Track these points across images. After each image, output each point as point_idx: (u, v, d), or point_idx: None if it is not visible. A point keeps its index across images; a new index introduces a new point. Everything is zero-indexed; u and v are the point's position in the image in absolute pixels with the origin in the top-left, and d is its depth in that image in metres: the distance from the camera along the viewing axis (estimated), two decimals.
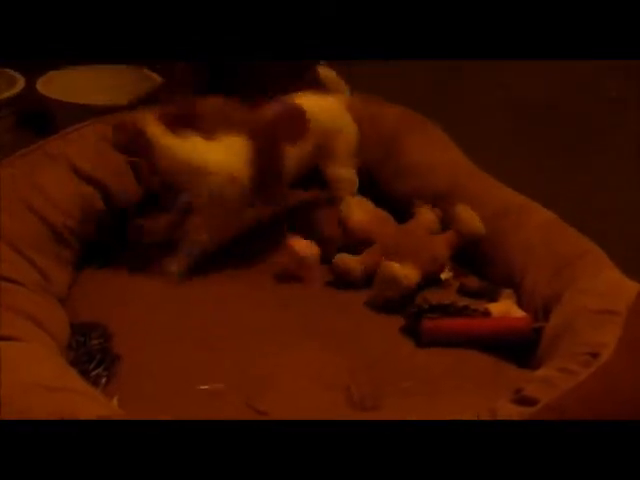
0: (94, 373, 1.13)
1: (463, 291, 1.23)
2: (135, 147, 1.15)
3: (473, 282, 1.23)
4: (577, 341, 1.04)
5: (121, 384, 1.10)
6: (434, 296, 1.20)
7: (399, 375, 1.13)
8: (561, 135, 1.92)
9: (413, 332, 1.16)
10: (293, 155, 1.22)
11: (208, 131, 1.17)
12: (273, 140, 1.20)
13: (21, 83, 1.85)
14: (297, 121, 1.22)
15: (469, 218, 1.24)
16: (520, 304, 1.21)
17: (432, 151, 1.38)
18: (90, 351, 1.17)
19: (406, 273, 1.16)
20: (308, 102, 1.24)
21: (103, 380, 1.11)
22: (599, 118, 2.01)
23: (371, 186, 1.40)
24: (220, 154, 1.16)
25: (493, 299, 1.21)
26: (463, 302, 1.20)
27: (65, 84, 1.89)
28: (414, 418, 0.91)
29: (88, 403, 0.95)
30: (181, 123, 1.15)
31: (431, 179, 1.37)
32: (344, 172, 1.29)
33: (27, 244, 1.21)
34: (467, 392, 1.06)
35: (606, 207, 1.62)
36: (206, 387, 1.10)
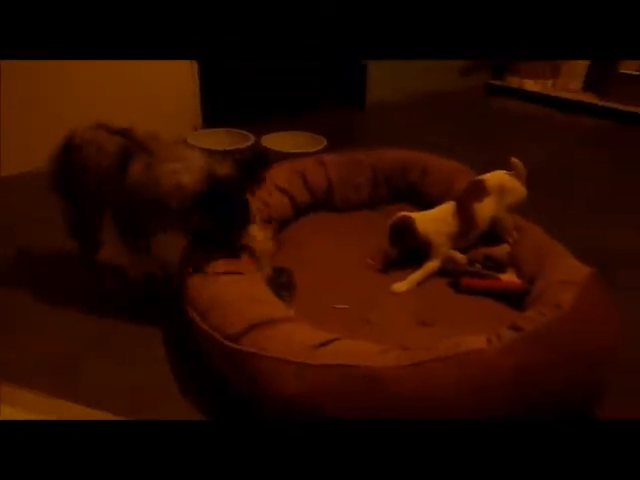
0: (284, 294, 1.54)
1: (486, 265, 1.65)
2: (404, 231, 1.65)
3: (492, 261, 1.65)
4: (549, 298, 1.32)
5: (297, 301, 1.54)
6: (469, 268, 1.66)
7: (447, 308, 1.55)
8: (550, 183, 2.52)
9: (455, 285, 1.62)
10: (481, 208, 1.68)
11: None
12: (467, 201, 1.69)
13: (252, 139, 2.63)
14: (479, 188, 1.70)
15: (502, 249, 1.69)
16: (518, 276, 1.61)
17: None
18: (281, 283, 1.58)
19: (461, 256, 1.68)
20: (489, 176, 1.72)
21: (287, 299, 1.52)
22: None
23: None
24: (440, 212, 1.71)
25: (502, 272, 1.63)
26: (485, 272, 1.63)
27: (276, 140, 2.67)
28: (451, 337, 1.17)
29: (277, 310, 1.32)
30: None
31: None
32: (507, 216, 1.70)
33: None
34: (484, 323, 1.35)
35: (574, 226, 2.06)
36: (339, 306, 1.53)
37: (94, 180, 1.44)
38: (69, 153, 1.49)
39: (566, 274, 1.41)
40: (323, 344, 1.19)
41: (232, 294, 1.32)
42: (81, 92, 2.51)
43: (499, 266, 1.67)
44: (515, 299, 1.55)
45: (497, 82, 4.20)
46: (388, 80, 3.64)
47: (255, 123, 2.80)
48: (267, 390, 1.18)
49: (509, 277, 1.63)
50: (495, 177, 1.72)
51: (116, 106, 2.57)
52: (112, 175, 1.38)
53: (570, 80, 4.03)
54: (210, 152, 1.42)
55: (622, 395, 1.35)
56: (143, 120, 2.66)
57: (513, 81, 4.11)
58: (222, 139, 2.70)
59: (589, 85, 3.96)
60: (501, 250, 1.69)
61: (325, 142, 2.63)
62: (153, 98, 2.71)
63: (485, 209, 1.70)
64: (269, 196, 1.86)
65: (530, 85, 4.03)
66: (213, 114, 2.95)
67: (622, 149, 3.21)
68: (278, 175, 1.93)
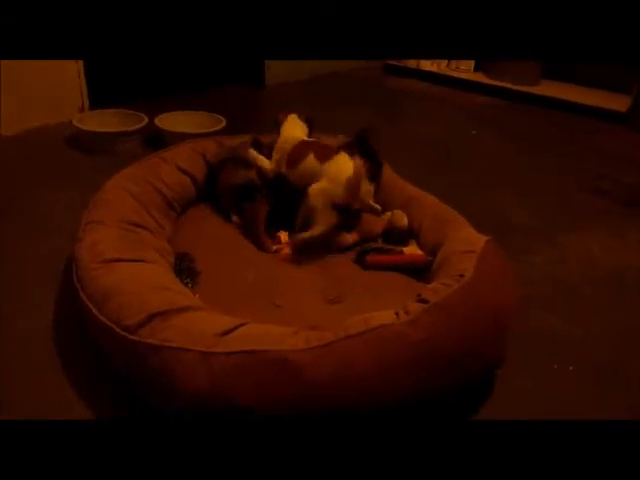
0: (186, 281, 1.47)
1: (388, 239, 1.65)
2: None
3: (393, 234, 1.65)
4: (451, 268, 1.35)
5: (200, 287, 1.46)
6: (372, 244, 1.64)
7: (355, 285, 1.52)
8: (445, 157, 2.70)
9: (361, 263, 1.60)
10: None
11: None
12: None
13: (145, 120, 2.50)
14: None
15: (400, 217, 1.71)
16: (420, 248, 1.63)
17: None
18: (183, 268, 1.51)
19: (349, 236, 1.68)
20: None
21: (190, 285, 1.46)
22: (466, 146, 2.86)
23: None
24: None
25: (405, 245, 1.63)
26: (389, 246, 1.62)
27: (172, 120, 2.56)
28: (360, 313, 1.14)
29: (179, 298, 1.23)
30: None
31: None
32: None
33: (152, 207, 1.62)
34: (391, 296, 1.37)
35: (468, 198, 2.11)
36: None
37: None
38: None
39: (465, 243, 1.43)
40: (229, 330, 1.14)
41: (131, 282, 1.23)
42: None
43: (401, 239, 1.67)
44: (420, 271, 1.57)
45: (395, 62, 4.25)
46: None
47: (148, 102, 2.66)
48: (172, 384, 1.09)
49: (411, 249, 1.63)
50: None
51: None
52: None
53: (462, 61, 4.20)
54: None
55: (516, 353, 1.41)
56: (25, 103, 2.47)
57: (410, 61, 4.19)
58: (111, 120, 2.55)
59: (479, 65, 4.17)
60: (401, 222, 1.68)
61: (224, 122, 2.53)
62: (34, 78, 2.50)
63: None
64: (170, 177, 1.76)
65: (426, 65, 4.14)
66: (101, 94, 2.75)
67: (509, 124, 3.37)
68: (179, 155, 1.85)
